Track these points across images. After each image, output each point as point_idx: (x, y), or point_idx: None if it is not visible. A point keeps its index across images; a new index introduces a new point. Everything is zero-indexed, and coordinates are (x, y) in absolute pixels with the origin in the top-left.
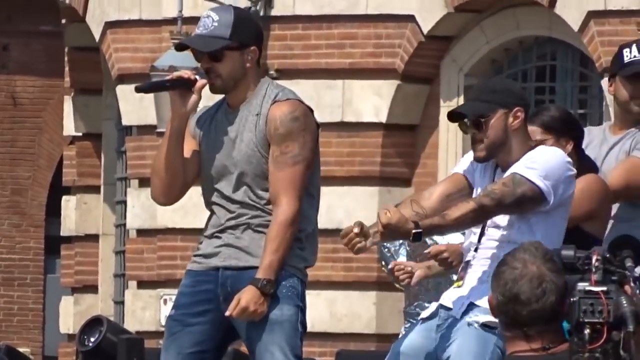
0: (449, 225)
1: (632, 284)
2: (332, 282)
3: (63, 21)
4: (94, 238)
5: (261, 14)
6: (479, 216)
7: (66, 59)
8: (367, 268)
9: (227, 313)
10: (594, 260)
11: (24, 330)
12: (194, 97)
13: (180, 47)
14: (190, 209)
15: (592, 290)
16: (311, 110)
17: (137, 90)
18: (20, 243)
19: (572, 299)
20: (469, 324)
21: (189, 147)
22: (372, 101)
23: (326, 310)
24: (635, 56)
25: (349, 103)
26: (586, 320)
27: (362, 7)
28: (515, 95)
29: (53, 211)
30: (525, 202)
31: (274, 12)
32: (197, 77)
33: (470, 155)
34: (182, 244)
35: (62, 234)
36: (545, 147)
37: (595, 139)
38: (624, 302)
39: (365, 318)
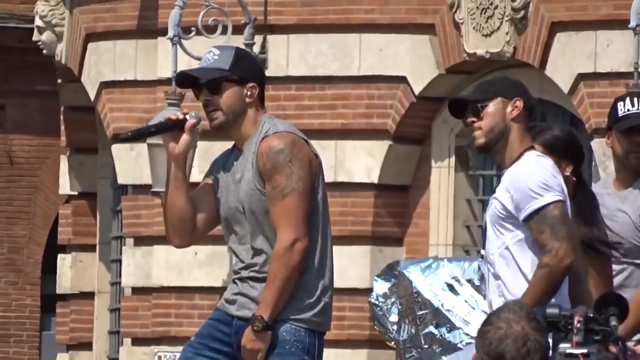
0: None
1: (617, 344)
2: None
3: (59, 81)
4: (89, 296)
5: None
6: (552, 281)
7: (62, 118)
8: (358, 326)
9: None
10: (575, 322)
11: None
12: (184, 137)
13: (181, 82)
14: (185, 268)
15: (572, 353)
16: (306, 141)
17: (121, 139)
18: (16, 300)
19: None
20: None
21: (205, 190)
22: (364, 161)
23: None
24: (629, 109)
25: (342, 163)
26: None
27: (355, 69)
28: (516, 87)
29: (49, 269)
30: (567, 221)
31: (268, 73)
32: (187, 117)
33: None
34: (176, 302)
35: (57, 291)
36: (530, 165)
37: (602, 191)
38: None
39: None
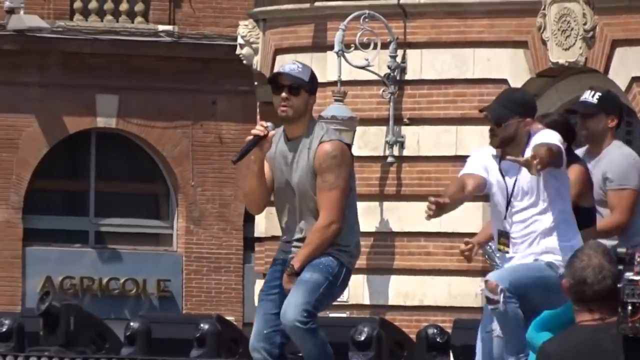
0: None
1: None
2: (449, 270)
3: (255, 83)
4: (278, 238)
5: (398, 78)
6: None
7: (258, 110)
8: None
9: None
10: (636, 257)
11: (229, 304)
12: (267, 145)
13: (272, 79)
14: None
15: (633, 279)
16: (349, 146)
17: (234, 162)
18: (225, 242)
19: (620, 285)
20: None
21: (266, 166)
22: (477, 141)
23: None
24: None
25: (461, 142)
26: (628, 300)
27: (470, 74)
28: (529, 108)
29: (249, 218)
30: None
31: (407, 77)
32: (268, 128)
33: (477, 156)
34: None
35: (255, 235)
36: (545, 131)
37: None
38: None
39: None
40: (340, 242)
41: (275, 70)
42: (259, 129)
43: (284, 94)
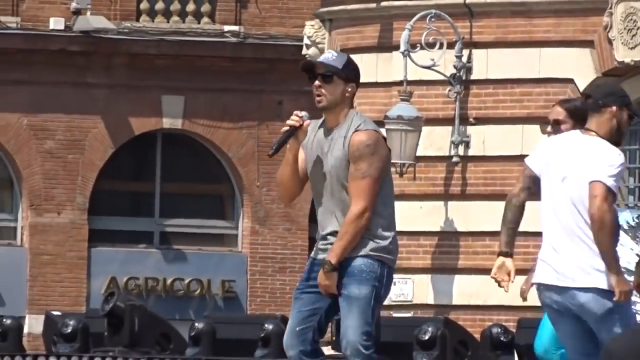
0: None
1: None
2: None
3: None
4: None
5: (463, 77)
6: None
7: None
8: None
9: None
10: None
11: None
12: (302, 135)
13: (306, 66)
14: (411, 218)
15: None
16: (384, 138)
17: (270, 155)
18: (290, 242)
19: None
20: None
21: (301, 156)
22: (543, 139)
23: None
24: None
25: (527, 141)
26: None
27: (535, 73)
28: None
29: (314, 218)
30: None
31: (473, 77)
32: (303, 118)
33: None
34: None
35: None
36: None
37: None
38: None
39: None
40: (377, 237)
41: None
42: (293, 119)
43: (317, 82)
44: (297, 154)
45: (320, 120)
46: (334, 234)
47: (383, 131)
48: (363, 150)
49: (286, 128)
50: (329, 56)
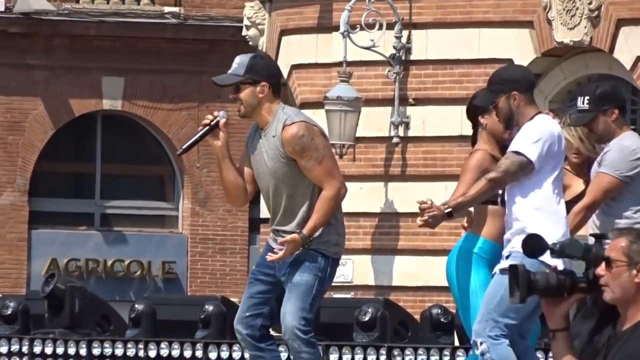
0: (470, 200)
1: None
2: None
3: None
4: None
5: (403, 58)
6: (491, 188)
7: None
8: None
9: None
10: None
11: (234, 286)
12: (221, 133)
13: (217, 85)
14: (352, 199)
15: None
16: (314, 124)
17: (180, 154)
18: (231, 223)
19: None
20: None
21: (245, 163)
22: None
23: None
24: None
25: (466, 123)
26: None
27: (475, 53)
28: (512, 82)
29: (254, 200)
30: (518, 172)
31: (412, 57)
32: (219, 117)
33: None
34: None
35: (260, 216)
36: (536, 120)
37: None
38: None
39: None
40: (322, 238)
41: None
42: (208, 118)
43: (231, 96)
44: (230, 158)
45: (254, 123)
46: (283, 232)
47: (322, 112)
48: (300, 142)
49: (200, 128)
50: (235, 66)
